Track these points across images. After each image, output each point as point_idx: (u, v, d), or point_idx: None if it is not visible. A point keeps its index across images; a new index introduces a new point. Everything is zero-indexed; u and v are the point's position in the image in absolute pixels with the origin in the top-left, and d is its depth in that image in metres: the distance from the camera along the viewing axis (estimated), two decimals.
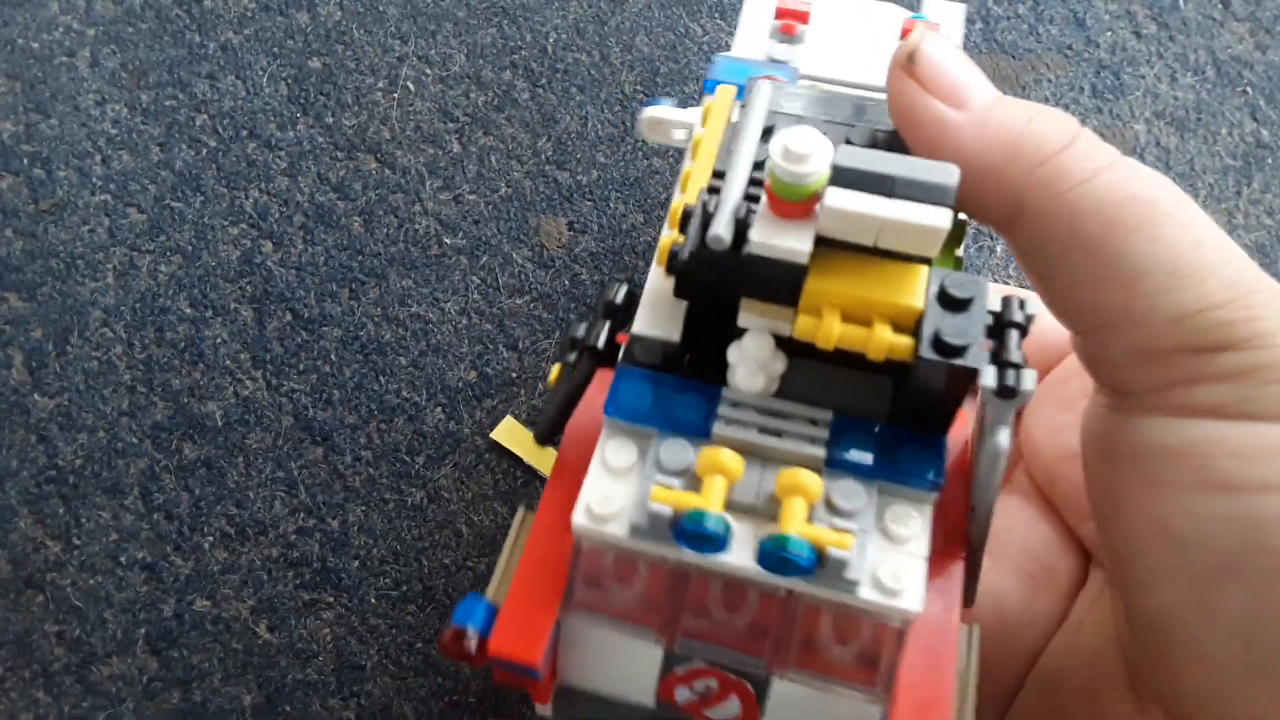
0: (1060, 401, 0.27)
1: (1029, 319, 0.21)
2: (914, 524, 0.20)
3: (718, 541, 0.19)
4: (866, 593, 0.20)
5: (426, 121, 0.40)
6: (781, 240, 0.19)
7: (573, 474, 0.22)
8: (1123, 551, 0.22)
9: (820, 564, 0.19)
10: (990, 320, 0.20)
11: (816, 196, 0.19)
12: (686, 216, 0.21)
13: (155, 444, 0.35)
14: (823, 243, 0.20)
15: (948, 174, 0.19)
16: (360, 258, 0.38)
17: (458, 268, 0.38)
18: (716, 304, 0.21)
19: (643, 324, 0.22)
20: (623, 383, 0.22)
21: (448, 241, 0.38)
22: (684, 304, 0.22)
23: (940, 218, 0.19)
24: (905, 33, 0.30)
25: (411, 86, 0.41)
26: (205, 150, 0.39)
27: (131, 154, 0.39)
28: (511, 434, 0.35)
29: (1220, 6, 0.45)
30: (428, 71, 0.41)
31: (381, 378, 0.36)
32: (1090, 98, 0.42)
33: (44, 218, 0.38)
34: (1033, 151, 0.21)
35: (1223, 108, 0.43)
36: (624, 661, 0.22)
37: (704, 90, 0.27)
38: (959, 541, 0.22)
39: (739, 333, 0.21)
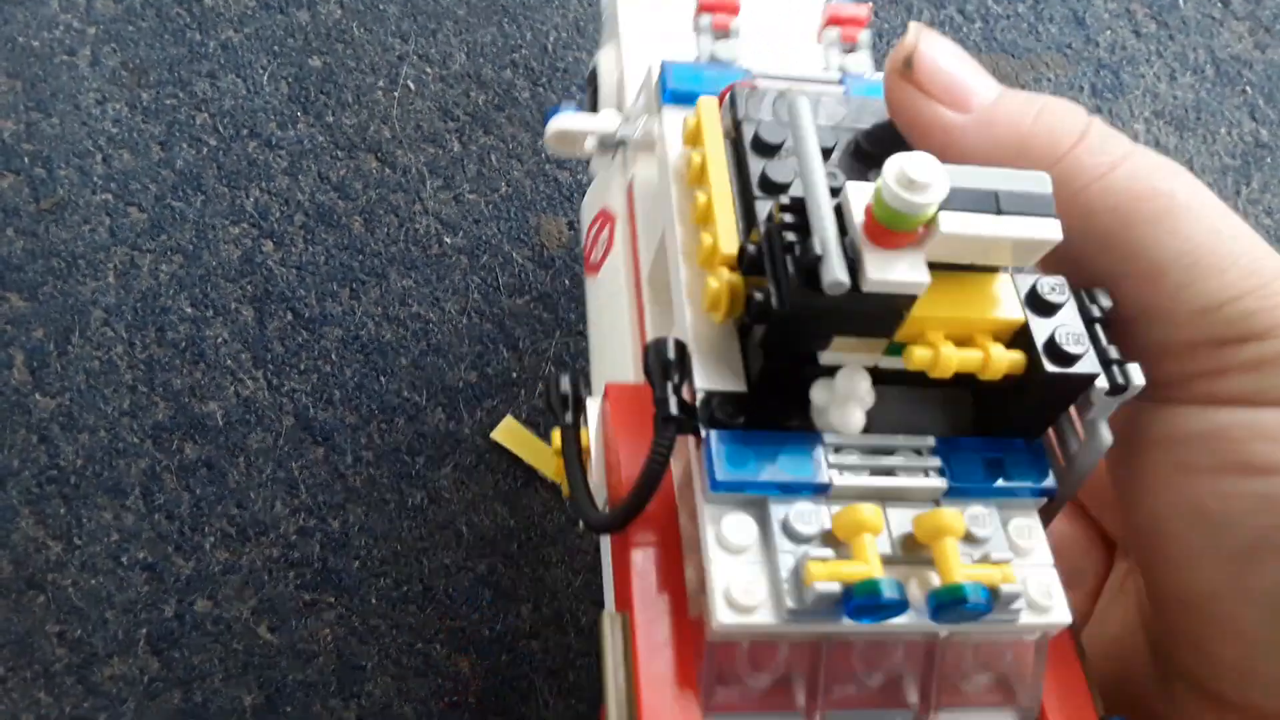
0: None
1: (1107, 311, 0.21)
2: (1035, 534, 0.20)
3: (897, 608, 0.18)
4: (1026, 617, 0.19)
5: (427, 120, 0.40)
6: (898, 275, 0.18)
7: (651, 560, 0.20)
8: (1151, 533, 0.22)
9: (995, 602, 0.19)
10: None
11: (928, 224, 0.19)
12: (750, 258, 0.20)
13: (156, 444, 0.35)
14: None
15: (1042, 183, 0.19)
16: (361, 257, 0.38)
17: (458, 267, 0.38)
18: (799, 346, 0.20)
19: (707, 379, 0.20)
20: (715, 452, 0.20)
21: (448, 241, 0.38)
22: (735, 348, 0.21)
23: (1052, 229, 0.19)
24: (831, 19, 0.29)
25: (412, 85, 0.41)
26: (206, 149, 0.39)
27: (132, 153, 0.39)
28: (512, 434, 0.35)
29: (1219, 5, 0.45)
30: (428, 70, 0.41)
31: (382, 378, 0.36)
32: (1090, 97, 0.42)
33: (45, 217, 0.38)
34: (1044, 150, 0.21)
35: (1222, 107, 0.43)
36: None
37: (662, 102, 0.25)
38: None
39: (818, 371, 0.20)
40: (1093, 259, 0.21)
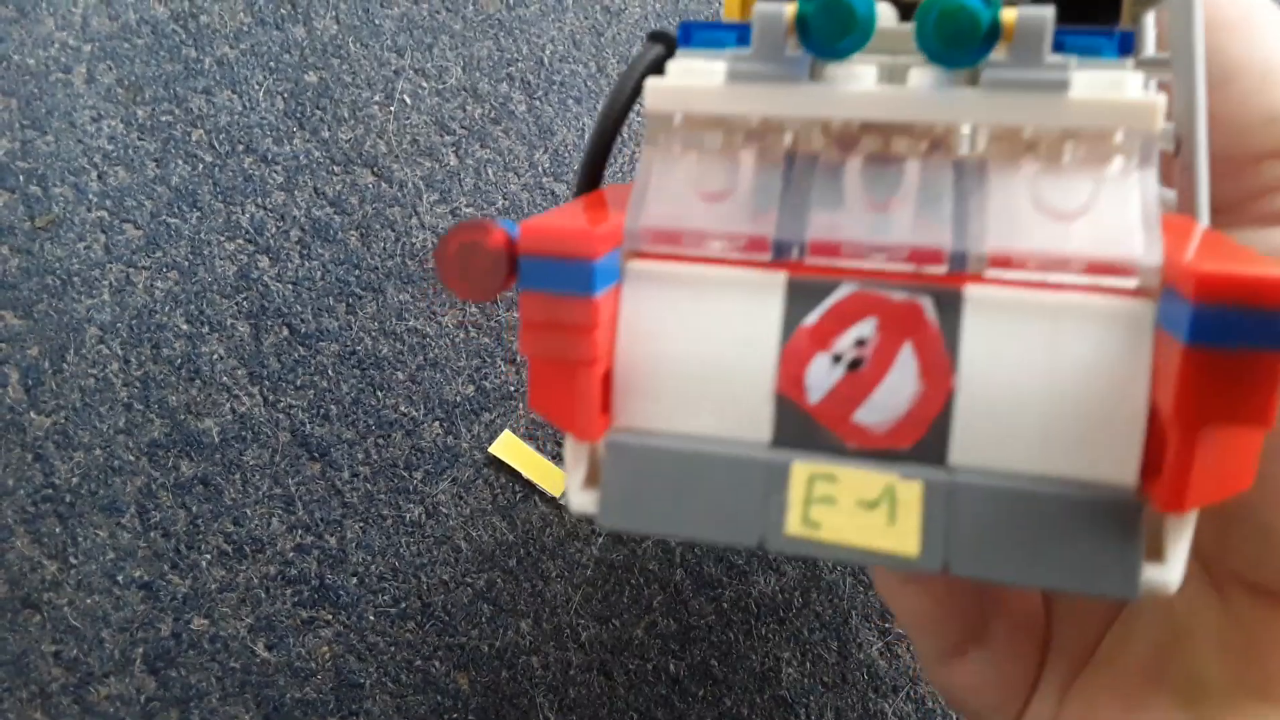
0: None
1: None
2: (1122, 75, 0.15)
3: (861, 9, 0.14)
4: (1081, 91, 0.14)
5: (423, 134, 0.40)
6: None
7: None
8: None
9: (1002, 34, 0.14)
10: None
11: None
12: None
13: (152, 461, 0.34)
14: None
15: None
16: (357, 272, 0.38)
17: None
18: None
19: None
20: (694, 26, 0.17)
21: None
22: None
23: None
24: None
25: (408, 100, 0.41)
26: (201, 165, 0.39)
27: (127, 170, 0.39)
28: (510, 448, 0.35)
29: None
30: (424, 84, 0.41)
31: (379, 393, 0.36)
32: None
33: (40, 234, 0.38)
34: None
35: None
36: (721, 342, 0.15)
37: None
38: None
39: None
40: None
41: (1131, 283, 0.14)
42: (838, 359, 0.14)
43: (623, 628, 0.33)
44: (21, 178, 0.38)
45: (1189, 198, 0.17)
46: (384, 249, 0.38)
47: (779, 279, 0.15)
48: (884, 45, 0.16)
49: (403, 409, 0.36)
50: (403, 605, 0.33)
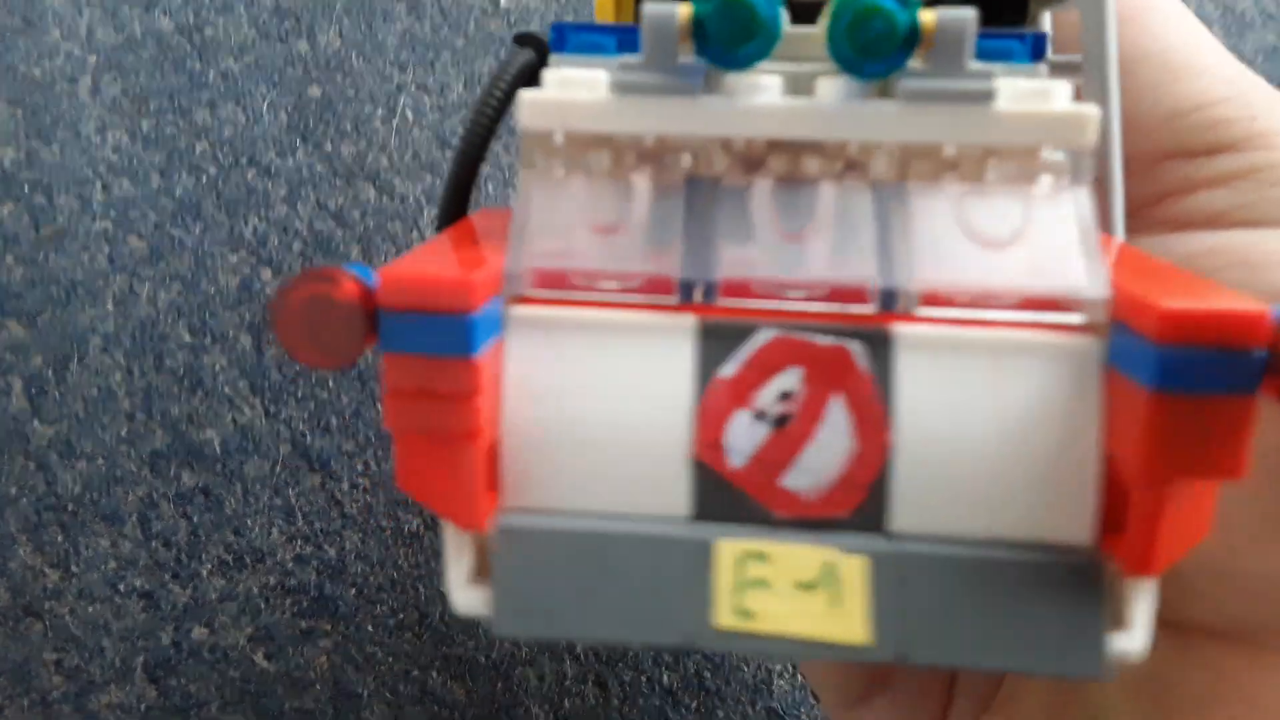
0: None
1: None
2: (1050, 85, 0.13)
3: (764, 11, 0.12)
4: (1007, 104, 0.13)
5: (424, 149, 0.41)
6: None
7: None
8: None
9: (921, 39, 0.12)
10: None
11: None
12: None
13: (154, 471, 0.35)
14: None
15: None
16: None
17: None
18: None
19: None
20: (565, 30, 0.15)
21: None
22: None
23: None
24: None
25: (410, 115, 0.41)
26: (205, 178, 0.40)
27: (132, 181, 0.39)
28: None
29: None
30: (426, 100, 0.42)
31: (379, 405, 0.36)
32: None
33: (44, 245, 0.38)
34: None
35: None
36: (626, 401, 0.13)
37: None
38: None
39: None
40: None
41: (1076, 319, 0.13)
42: (760, 416, 0.13)
43: None
44: (26, 187, 0.39)
45: (1102, 209, 0.15)
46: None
47: (688, 323, 0.13)
48: (785, 51, 0.14)
49: None
50: (401, 616, 0.33)
